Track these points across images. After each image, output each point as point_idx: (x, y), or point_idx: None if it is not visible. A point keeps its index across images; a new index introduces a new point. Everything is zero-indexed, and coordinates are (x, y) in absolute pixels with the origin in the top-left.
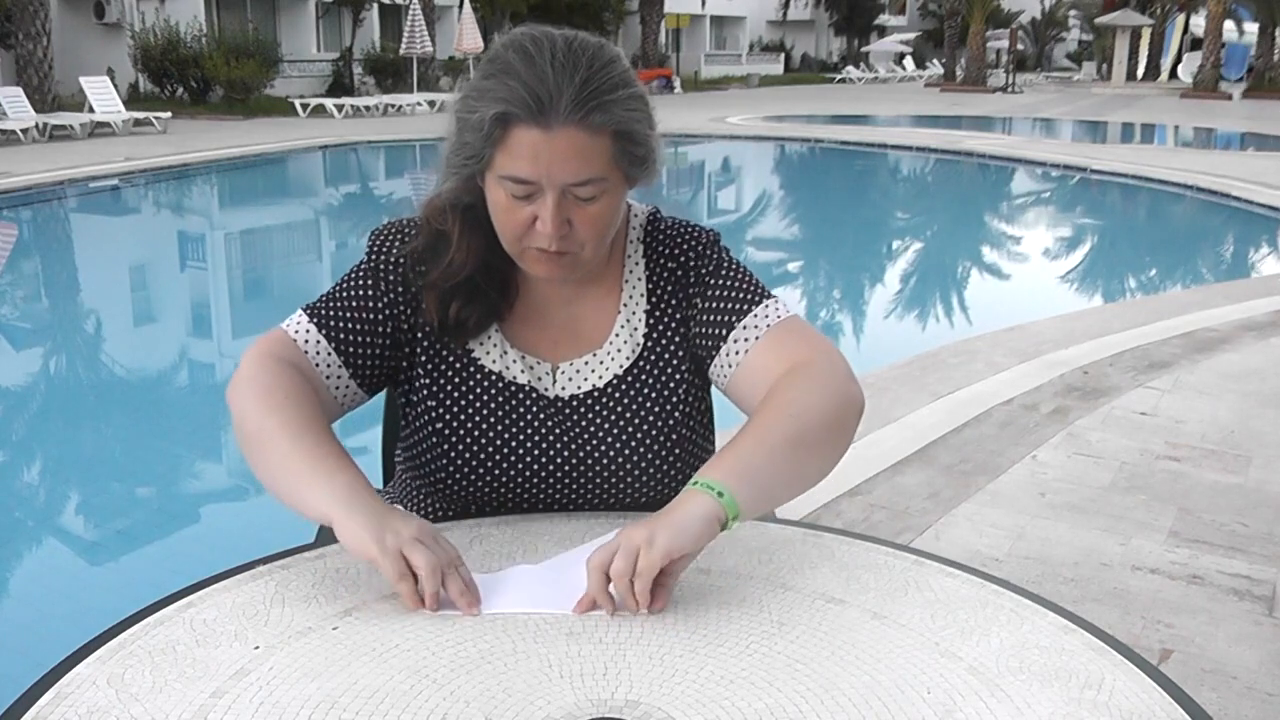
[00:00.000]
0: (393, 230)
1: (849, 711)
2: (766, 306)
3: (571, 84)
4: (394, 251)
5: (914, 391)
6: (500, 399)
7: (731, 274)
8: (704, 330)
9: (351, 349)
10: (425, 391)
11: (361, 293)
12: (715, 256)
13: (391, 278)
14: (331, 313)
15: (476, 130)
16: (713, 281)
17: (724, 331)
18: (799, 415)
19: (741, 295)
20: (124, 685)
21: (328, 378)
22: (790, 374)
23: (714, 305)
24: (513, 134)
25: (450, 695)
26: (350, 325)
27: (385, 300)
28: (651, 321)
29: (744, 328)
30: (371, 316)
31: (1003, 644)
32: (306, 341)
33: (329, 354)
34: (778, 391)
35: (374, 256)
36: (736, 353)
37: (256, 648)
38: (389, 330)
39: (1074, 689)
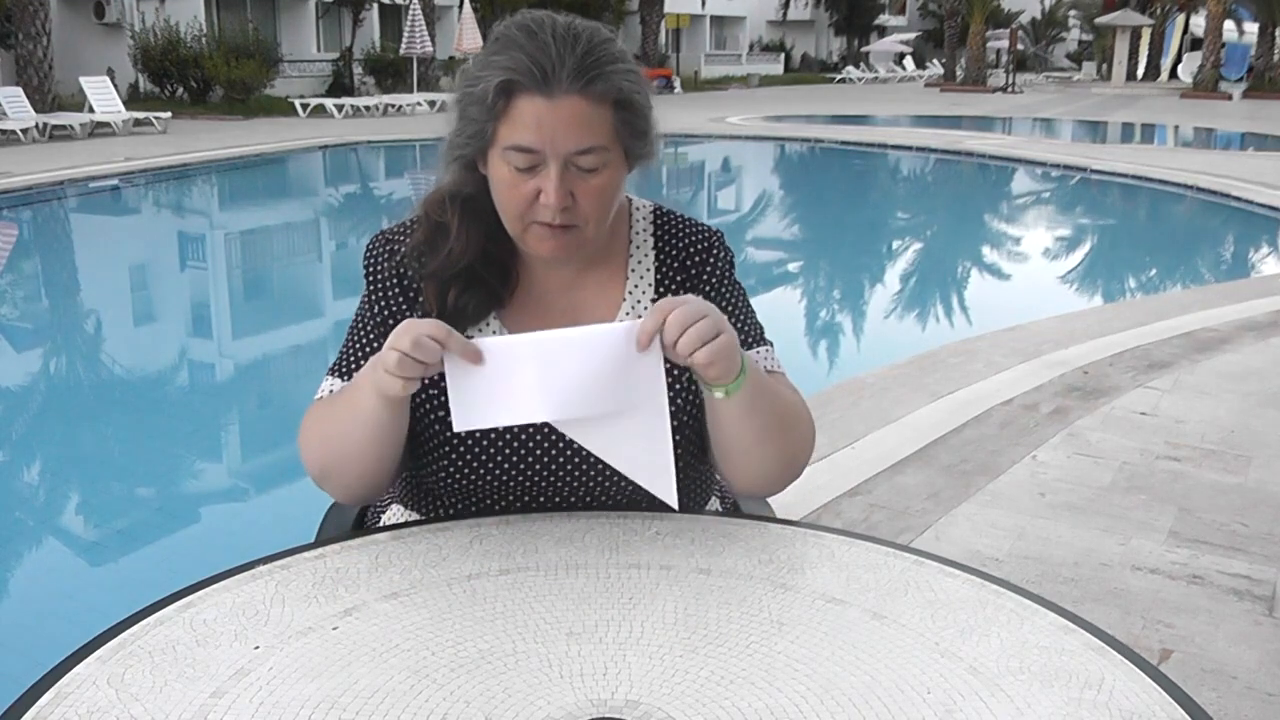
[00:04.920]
0: (384, 240)
1: (849, 711)
2: (758, 353)
3: (573, 54)
4: (384, 264)
5: (914, 391)
6: None
7: (740, 300)
8: None
9: None
10: (427, 381)
11: (370, 322)
12: (726, 266)
13: (391, 290)
14: (350, 358)
15: (480, 102)
16: (722, 303)
17: None
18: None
19: (747, 329)
20: (124, 685)
21: None
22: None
23: None
24: (516, 103)
25: (450, 695)
26: (369, 358)
27: (391, 313)
28: None
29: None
30: (384, 340)
31: (1003, 644)
32: (333, 392)
33: None
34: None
35: (370, 276)
36: None
37: (256, 648)
38: None
39: (1074, 689)
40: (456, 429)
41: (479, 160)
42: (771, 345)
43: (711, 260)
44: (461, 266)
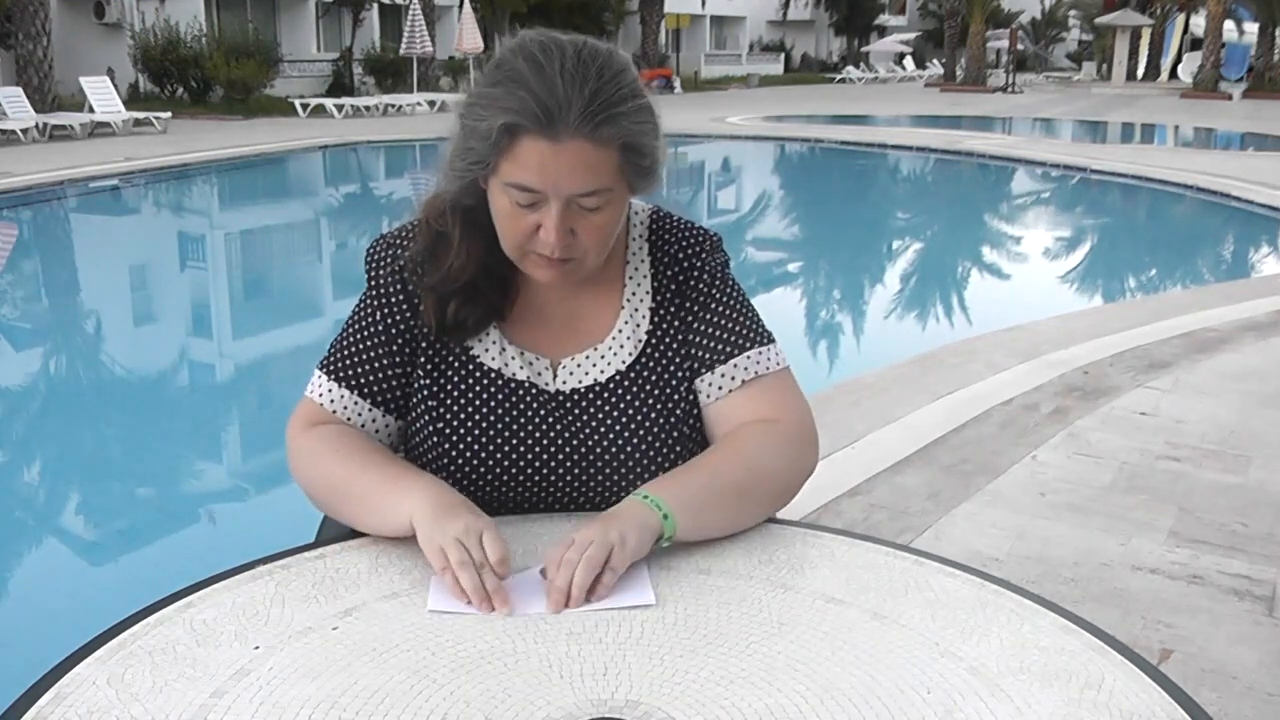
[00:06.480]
0: (385, 244)
1: (849, 711)
2: (762, 352)
3: (581, 96)
4: (387, 270)
5: (914, 391)
6: (500, 396)
7: (733, 301)
8: (697, 350)
9: (376, 388)
10: (426, 391)
11: (371, 328)
12: (718, 268)
13: (394, 296)
14: (346, 362)
15: (484, 139)
16: (714, 306)
17: (713, 359)
18: (753, 469)
19: (740, 331)
20: (124, 685)
21: (363, 425)
22: (759, 426)
23: (712, 331)
24: (520, 144)
25: (450, 695)
26: (368, 366)
27: (394, 323)
28: (655, 319)
29: (734, 366)
30: (386, 348)
31: (1003, 644)
32: (333, 401)
33: (356, 402)
34: (742, 439)
35: (372, 279)
36: (719, 387)
37: (256, 648)
38: (408, 352)
39: (1074, 689)
40: (429, 608)
41: (480, 179)
42: (774, 343)
43: (701, 263)
44: (462, 283)
